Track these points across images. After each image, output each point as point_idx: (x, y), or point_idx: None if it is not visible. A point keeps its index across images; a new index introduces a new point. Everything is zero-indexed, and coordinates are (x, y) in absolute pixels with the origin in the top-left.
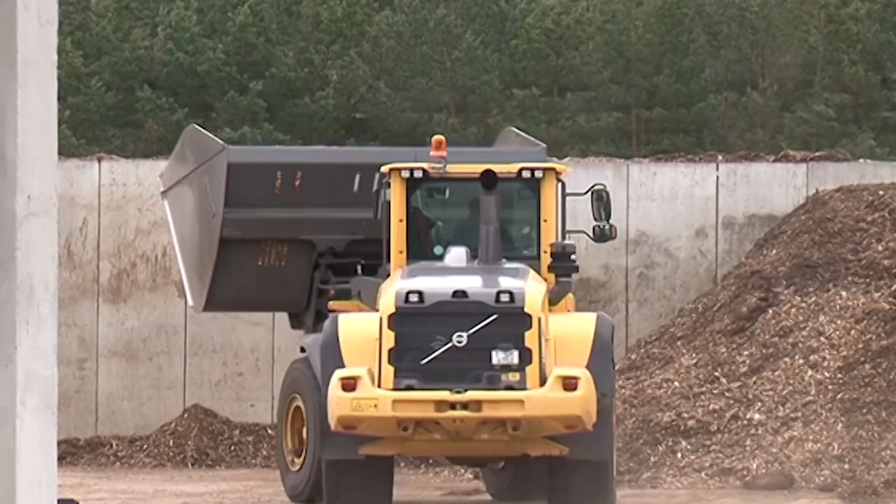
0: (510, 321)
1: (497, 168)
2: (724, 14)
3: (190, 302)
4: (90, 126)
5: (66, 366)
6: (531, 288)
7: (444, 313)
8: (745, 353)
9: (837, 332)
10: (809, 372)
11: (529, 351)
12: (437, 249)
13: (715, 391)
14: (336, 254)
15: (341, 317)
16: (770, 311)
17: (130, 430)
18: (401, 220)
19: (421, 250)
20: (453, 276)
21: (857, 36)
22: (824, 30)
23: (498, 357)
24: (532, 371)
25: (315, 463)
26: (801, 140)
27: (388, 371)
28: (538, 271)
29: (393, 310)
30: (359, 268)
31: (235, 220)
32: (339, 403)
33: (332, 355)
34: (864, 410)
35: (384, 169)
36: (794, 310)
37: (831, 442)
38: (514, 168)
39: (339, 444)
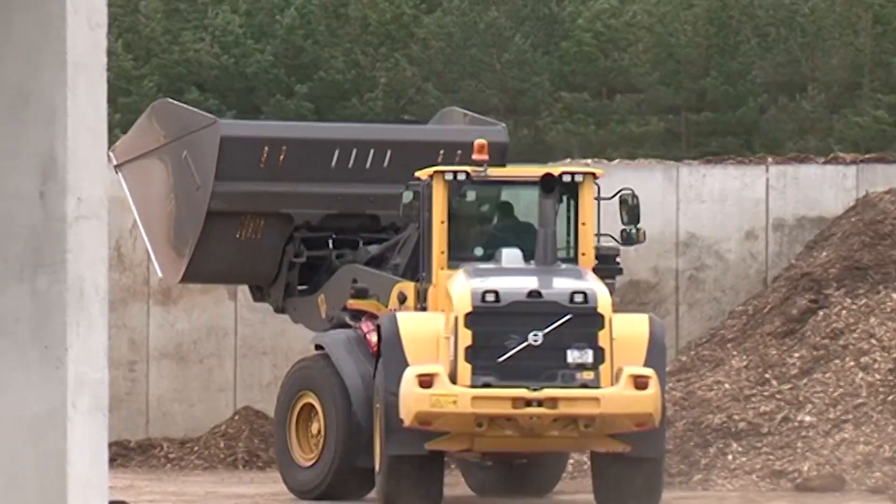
0: (584, 321)
1: (538, 171)
2: (774, 16)
3: (160, 274)
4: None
5: (117, 368)
6: (601, 289)
7: (519, 313)
8: (796, 355)
9: (888, 334)
10: (860, 374)
11: (602, 350)
12: (478, 251)
13: (766, 393)
14: (311, 228)
15: (400, 316)
16: (820, 314)
17: (181, 432)
18: (442, 222)
19: (460, 251)
20: (521, 276)
21: None
22: (872, 31)
23: (573, 356)
24: (605, 370)
25: (336, 460)
26: (850, 142)
27: (465, 369)
28: None
29: (469, 309)
30: (330, 242)
31: (223, 193)
32: (417, 400)
33: (395, 354)
34: None
35: (425, 173)
36: (844, 312)
37: (882, 444)
38: (555, 171)
39: (405, 439)
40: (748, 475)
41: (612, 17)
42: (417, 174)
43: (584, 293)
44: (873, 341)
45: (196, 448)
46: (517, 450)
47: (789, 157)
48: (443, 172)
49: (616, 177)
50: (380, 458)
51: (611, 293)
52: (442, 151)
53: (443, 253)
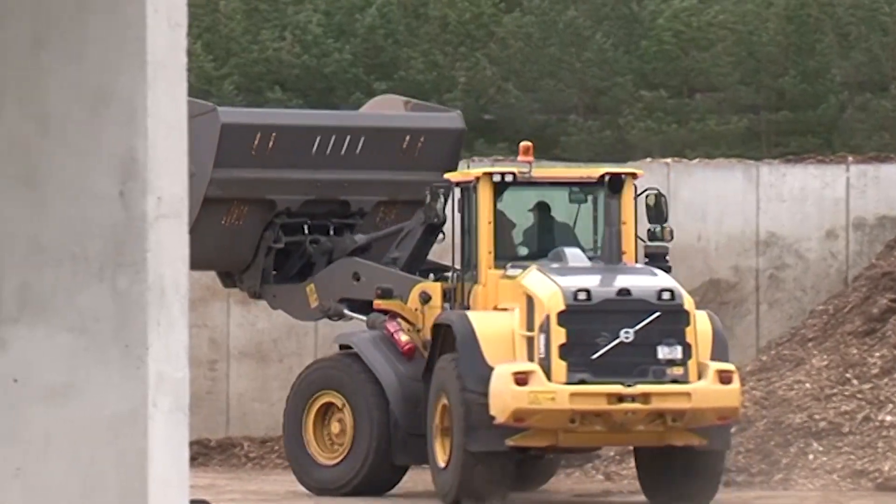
0: (672, 318)
1: (580, 173)
2: (854, 14)
3: None
4: None
5: (197, 367)
6: (680, 286)
7: (609, 311)
8: (877, 354)
9: None
10: None
11: (689, 346)
12: (522, 251)
13: (846, 392)
14: (290, 214)
15: (472, 315)
16: None
17: (262, 431)
18: (489, 223)
19: (504, 252)
20: (601, 274)
21: None
22: None
23: (663, 352)
24: (693, 365)
25: (371, 457)
26: None
27: (560, 366)
28: None
29: (563, 307)
30: (305, 227)
31: (219, 179)
32: (514, 397)
33: (473, 353)
34: None
35: (461, 175)
36: None
37: None
38: (596, 172)
39: (486, 437)
40: (829, 475)
41: (692, 16)
42: (446, 176)
43: (671, 291)
44: None
45: (276, 447)
46: (598, 445)
47: (869, 156)
48: (490, 174)
49: (696, 176)
50: (448, 455)
51: None
52: (408, 137)
53: (490, 253)
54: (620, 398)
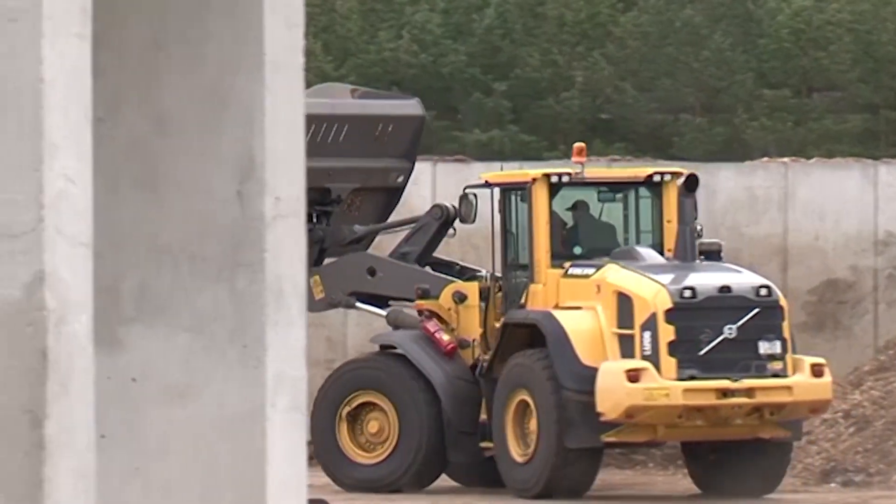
0: (770, 313)
1: (628, 173)
2: None
3: None
4: None
5: (315, 367)
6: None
7: (713, 307)
8: None
9: None
10: None
11: (786, 341)
12: (577, 250)
13: None
14: None
15: (559, 315)
16: None
17: None
18: (546, 223)
19: (559, 251)
20: (691, 272)
21: None
22: None
23: (764, 347)
24: (789, 359)
25: (422, 455)
26: None
27: (670, 362)
28: None
29: (670, 305)
30: None
31: None
32: (629, 394)
33: (565, 351)
34: None
35: (531, 175)
36: None
37: None
38: (642, 172)
39: (583, 433)
40: None
41: (811, 15)
42: (483, 177)
43: (768, 287)
44: None
45: None
46: (695, 439)
47: None
48: (549, 175)
49: (814, 175)
50: (531, 450)
51: None
52: (380, 125)
53: (548, 253)
54: (728, 393)
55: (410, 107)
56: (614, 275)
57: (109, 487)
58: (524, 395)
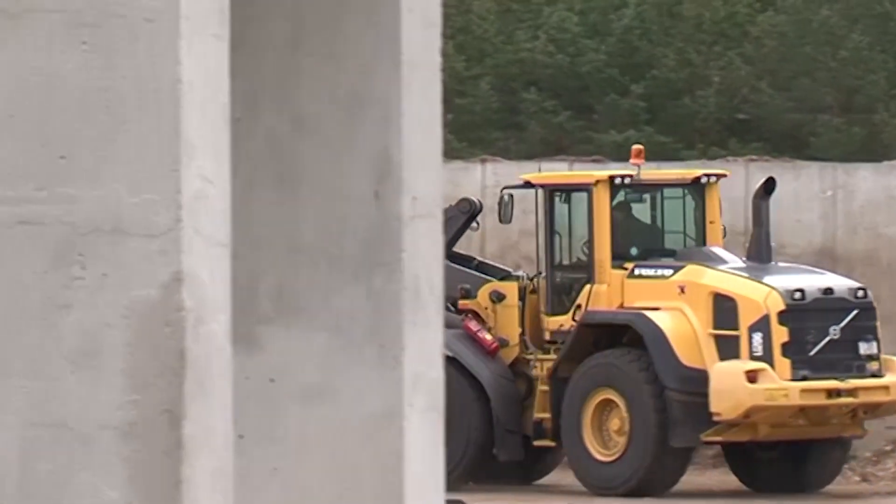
0: (866, 315)
1: (678, 174)
2: None
3: None
4: (473, 128)
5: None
6: None
7: (819, 309)
8: None
9: None
10: None
11: (878, 341)
12: (633, 251)
13: None
14: None
15: (654, 316)
16: None
17: None
18: (608, 224)
19: (616, 252)
20: (782, 274)
21: None
22: None
23: (863, 348)
24: (882, 359)
25: (470, 453)
26: None
27: (784, 363)
28: None
29: (783, 307)
30: None
31: None
32: (751, 394)
33: (666, 352)
34: None
35: (595, 176)
36: None
37: None
38: (689, 174)
39: (685, 432)
40: None
41: None
42: (525, 177)
43: (864, 289)
44: None
45: None
46: (791, 438)
47: None
48: (613, 178)
49: None
50: (622, 449)
51: None
52: None
53: (610, 253)
54: (835, 393)
55: None
56: (706, 276)
57: (247, 487)
58: (609, 395)
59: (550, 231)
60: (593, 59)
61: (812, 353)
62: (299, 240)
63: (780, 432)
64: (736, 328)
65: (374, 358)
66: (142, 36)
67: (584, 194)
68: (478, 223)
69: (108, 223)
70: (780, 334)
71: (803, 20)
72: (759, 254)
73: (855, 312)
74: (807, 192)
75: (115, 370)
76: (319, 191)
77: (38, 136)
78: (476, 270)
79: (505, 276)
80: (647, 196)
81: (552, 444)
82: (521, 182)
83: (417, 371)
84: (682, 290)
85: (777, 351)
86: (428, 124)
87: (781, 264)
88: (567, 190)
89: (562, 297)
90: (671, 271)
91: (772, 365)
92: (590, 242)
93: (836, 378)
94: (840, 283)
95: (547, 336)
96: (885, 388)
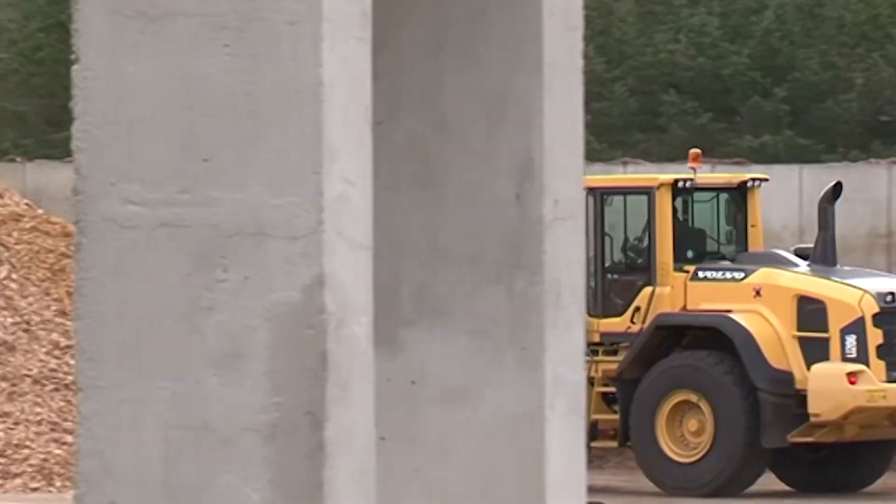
0: None
1: (723, 178)
2: None
3: None
4: (614, 131)
5: None
6: None
7: None
8: None
9: None
10: None
11: None
12: (689, 253)
13: None
14: None
15: (740, 318)
16: None
17: None
18: (670, 227)
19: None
20: (859, 277)
21: None
22: None
23: None
24: None
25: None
26: None
27: (879, 365)
28: None
29: (877, 310)
30: None
31: None
32: (854, 396)
33: (756, 354)
34: None
35: (659, 180)
36: None
37: None
38: (736, 178)
39: (776, 433)
40: None
41: None
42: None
43: None
44: None
45: None
46: (866, 439)
47: None
48: (676, 181)
49: None
50: (705, 451)
51: None
52: None
53: (672, 256)
54: None
55: None
56: (785, 279)
57: (389, 489)
58: (687, 396)
59: (601, 233)
60: (735, 62)
61: None
62: (441, 242)
63: (867, 433)
64: (825, 330)
65: (515, 360)
66: (284, 39)
67: (645, 197)
68: None
69: (251, 225)
70: (875, 336)
71: None
72: (825, 257)
73: None
74: None
75: (257, 372)
76: (461, 193)
77: (180, 138)
78: None
79: None
80: (698, 199)
81: (613, 444)
82: None
83: (558, 373)
84: (759, 293)
85: (872, 353)
86: (569, 127)
87: (846, 268)
88: (625, 193)
89: (614, 300)
90: (743, 274)
91: (867, 367)
92: (651, 245)
93: None
94: None
95: (596, 338)
96: None
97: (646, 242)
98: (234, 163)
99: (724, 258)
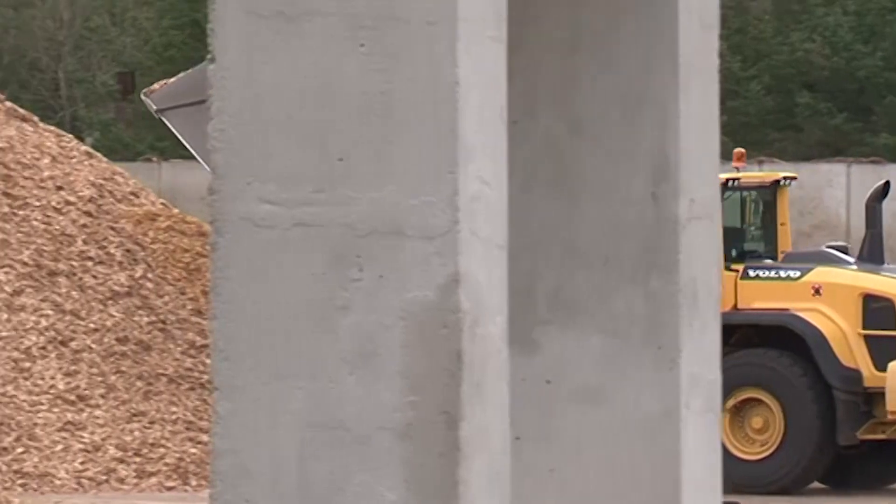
0: None
1: (758, 177)
2: None
3: None
4: (749, 130)
5: None
6: None
7: None
8: None
9: None
10: None
11: None
12: (733, 252)
13: None
14: None
15: (806, 315)
16: None
17: None
18: (720, 227)
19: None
20: None
21: None
22: None
23: None
24: None
25: None
26: None
27: None
28: None
29: None
30: None
31: None
32: None
33: (828, 353)
34: None
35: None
36: None
37: None
38: (769, 177)
39: (849, 431)
40: None
41: None
42: None
43: None
44: None
45: None
46: None
47: None
48: (726, 181)
49: None
50: (773, 448)
51: None
52: None
53: (723, 255)
54: None
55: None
56: (845, 277)
57: (524, 489)
58: (753, 394)
59: None
60: (872, 63)
61: None
62: (576, 241)
63: None
64: (893, 328)
65: (651, 359)
66: (420, 38)
67: None
68: None
69: (386, 225)
70: None
71: None
72: (872, 255)
73: None
74: None
75: (391, 371)
76: (596, 192)
77: (316, 137)
78: None
79: None
80: (736, 198)
81: None
82: None
83: (694, 373)
84: (818, 291)
85: None
86: (705, 126)
87: (893, 265)
88: None
89: None
90: (798, 272)
91: None
92: None
93: None
94: None
95: None
96: None
97: None
98: (369, 162)
99: (762, 257)
